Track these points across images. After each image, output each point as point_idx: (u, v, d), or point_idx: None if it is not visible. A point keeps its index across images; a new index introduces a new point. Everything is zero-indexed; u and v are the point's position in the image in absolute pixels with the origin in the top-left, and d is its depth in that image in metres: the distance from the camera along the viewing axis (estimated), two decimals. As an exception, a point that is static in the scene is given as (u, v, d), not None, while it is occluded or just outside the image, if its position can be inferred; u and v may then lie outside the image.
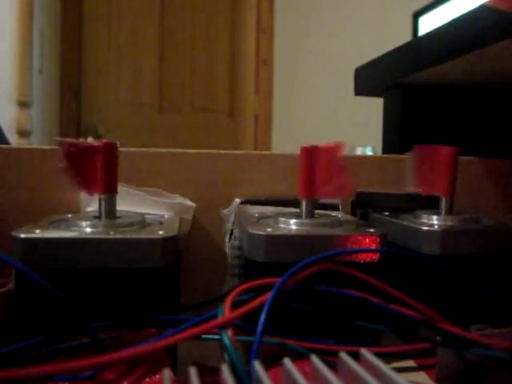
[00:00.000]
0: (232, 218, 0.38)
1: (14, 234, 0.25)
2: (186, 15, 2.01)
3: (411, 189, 0.35)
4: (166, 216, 0.34)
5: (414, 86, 0.52)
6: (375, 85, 0.58)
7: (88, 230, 0.28)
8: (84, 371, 0.21)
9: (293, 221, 0.30)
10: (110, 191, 0.29)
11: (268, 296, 0.23)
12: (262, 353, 0.21)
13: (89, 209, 0.35)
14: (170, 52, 2.00)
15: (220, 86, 2.07)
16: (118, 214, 0.30)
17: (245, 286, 0.25)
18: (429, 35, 0.46)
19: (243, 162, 0.39)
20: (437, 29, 0.44)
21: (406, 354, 0.28)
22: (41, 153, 0.36)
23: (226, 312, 0.22)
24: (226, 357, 0.20)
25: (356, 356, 0.20)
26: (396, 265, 0.32)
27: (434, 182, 0.34)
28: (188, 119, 2.03)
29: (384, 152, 0.57)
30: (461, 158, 0.34)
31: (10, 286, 0.27)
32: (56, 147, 0.36)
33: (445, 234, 0.31)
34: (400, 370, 0.27)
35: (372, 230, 0.30)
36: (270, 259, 0.28)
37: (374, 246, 0.29)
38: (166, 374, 0.18)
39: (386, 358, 0.26)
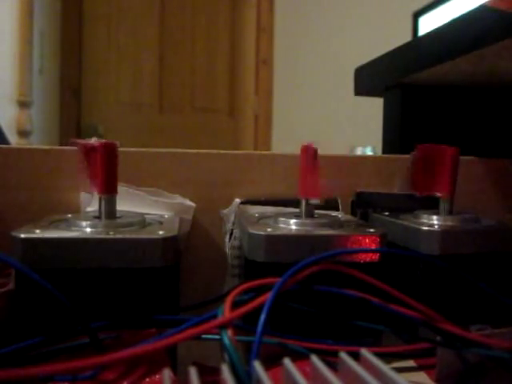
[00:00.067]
0: (232, 218, 0.38)
1: (13, 233, 0.25)
2: (185, 15, 2.01)
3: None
4: (166, 216, 0.34)
5: (414, 86, 0.52)
6: (375, 85, 0.58)
7: (88, 230, 0.28)
8: (84, 371, 0.21)
9: (293, 221, 0.30)
10: (110, 191, 0.29)
11: (268, 296, 0.23)
12: (262, 353, 0.21)
13: (89, 209, 0.35)
14: (170, 52, 2.00)
15: (220, 86, 2.07)
16: (118, 214, 0.30)
17: (245, 286, 0.25)
18: (429, 35, 0.46)
19: (243, 162, 0.39)
20: (437, 29, 0.44)
21: (405, 354, 0.28)
22: (41, 153, 0.36)
23: (225, 312, 0.22)
24: (226, 357, 0.20)
25: (356, 356, 0.20)
26: (396, 265, 0.32)
27: (434, 182, 0.34)
28: (188, 119, 2.03)
29: (384, 152, 0.57)
30: (461, 158, 0.34)
31: (10, 286, 0.27)
32: (56, 147, 0.37)
33: (445, 234, 0.31)
34: (400, 370, 0.27)
35: (372, 230, 0.30)
36: (270, 259, 0.28)
37: (374, 246, 0.29)
38: (166, 373, 0.18)
39: (386, 357, 0.26)
